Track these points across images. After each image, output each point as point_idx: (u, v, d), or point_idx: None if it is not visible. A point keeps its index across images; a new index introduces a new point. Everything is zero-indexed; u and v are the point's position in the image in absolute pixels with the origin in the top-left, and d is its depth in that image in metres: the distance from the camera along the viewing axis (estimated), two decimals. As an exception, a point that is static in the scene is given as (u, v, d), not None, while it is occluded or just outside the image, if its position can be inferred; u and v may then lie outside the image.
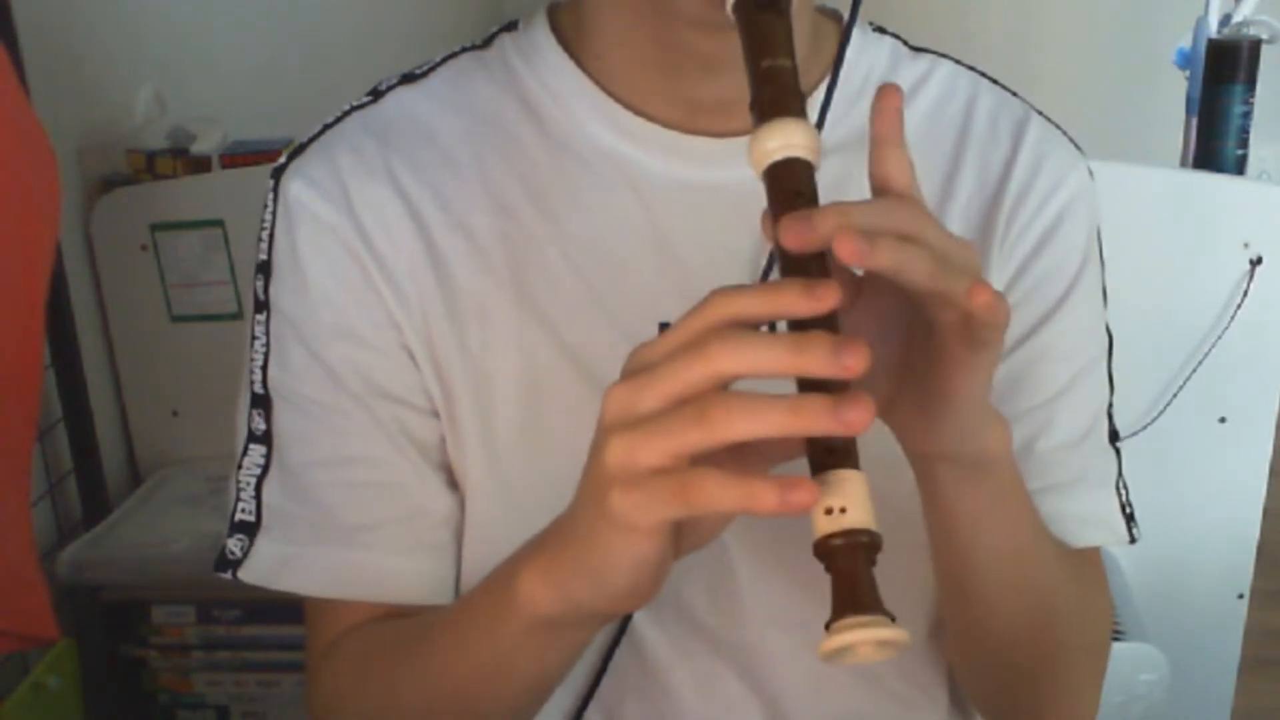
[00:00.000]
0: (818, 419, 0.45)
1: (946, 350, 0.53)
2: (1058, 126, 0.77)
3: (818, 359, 0.45)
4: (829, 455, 0.48)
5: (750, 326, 0.48)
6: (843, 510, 0.47)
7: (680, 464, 0.47)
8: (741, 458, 0.50)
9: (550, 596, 0.55)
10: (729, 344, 0.47)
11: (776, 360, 0.46)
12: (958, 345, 0.52)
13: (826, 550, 0.47)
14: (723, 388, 0.47)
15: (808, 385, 0.47)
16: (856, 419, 0.45)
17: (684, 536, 0.53)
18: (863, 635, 0.46)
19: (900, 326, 0.55)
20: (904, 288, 0.50)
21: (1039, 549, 0.68)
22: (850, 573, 0.47)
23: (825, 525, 0.47)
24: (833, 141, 0.71)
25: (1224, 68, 1.72)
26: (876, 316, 0.54)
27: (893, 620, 0.47)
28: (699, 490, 0.47)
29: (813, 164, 0.52)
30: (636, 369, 0.49)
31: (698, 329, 0.48)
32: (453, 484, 0.72)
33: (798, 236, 0.48)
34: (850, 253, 0.47)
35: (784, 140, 0.51)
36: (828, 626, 0.47)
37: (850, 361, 0.45)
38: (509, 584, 0.57)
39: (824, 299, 0.46)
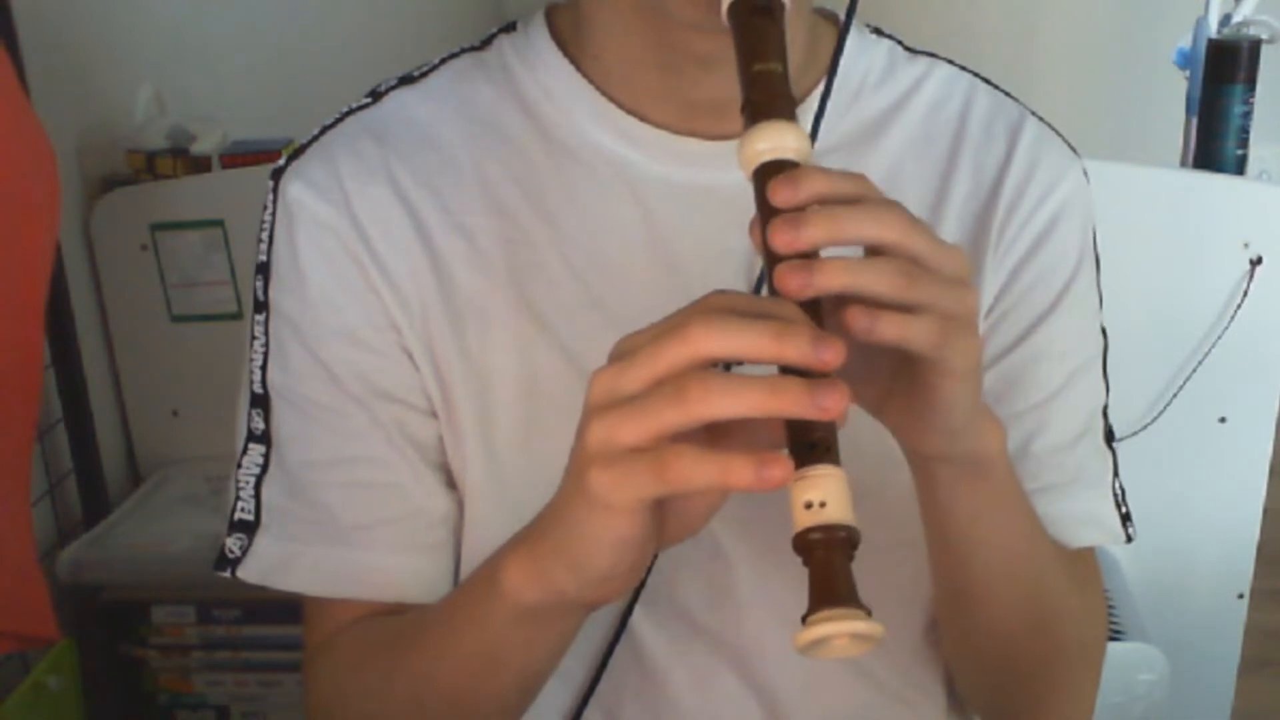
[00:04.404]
0: (794, 401, 0.46)
1: (922, 371, 0.53)
2: (1053, 128, 0.77)
3: (797, 348, 0.47)
4: (810, 450, 0.48)
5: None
6: (822, 504, 0.48)
7: (659, 443, 0.48)
8: (722, 448, 0.50)
9: (532, 584, 0.56)
10: (710, 326, 0.48)
11: (757, 345, 0.47)
12: (932, 372, 0.53)
13: (805, 544, 0.48)
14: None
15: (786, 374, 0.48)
16: (832, 405, 0.46)
17: (667, 525, 0.53)
18: (838, 628, 0.47)
19: None
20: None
21: (1035, 549, 0.68)
22: (827, 566, 0.48)
23: (804, 519, 0.48)
24: (830, 142, 0.72)
25: (1224, 68, 1.72)
26: None
27: (868, 614, 0.47)
28: (676, 466, 0.47)
29: (801, 165, 0.52)
30: (621, 354, 0.50)
31: (684, 315, 0.49)
32: (451, 484, 0.73)
33: (786, 242, 0.49)
34: (859, 330, 0.49)
35: (773, 142, 0.52)
36: (804, 620, 0.47)
37: (827, 356, 0.47)
38: (494, 575, 0.58)
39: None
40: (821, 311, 0.50)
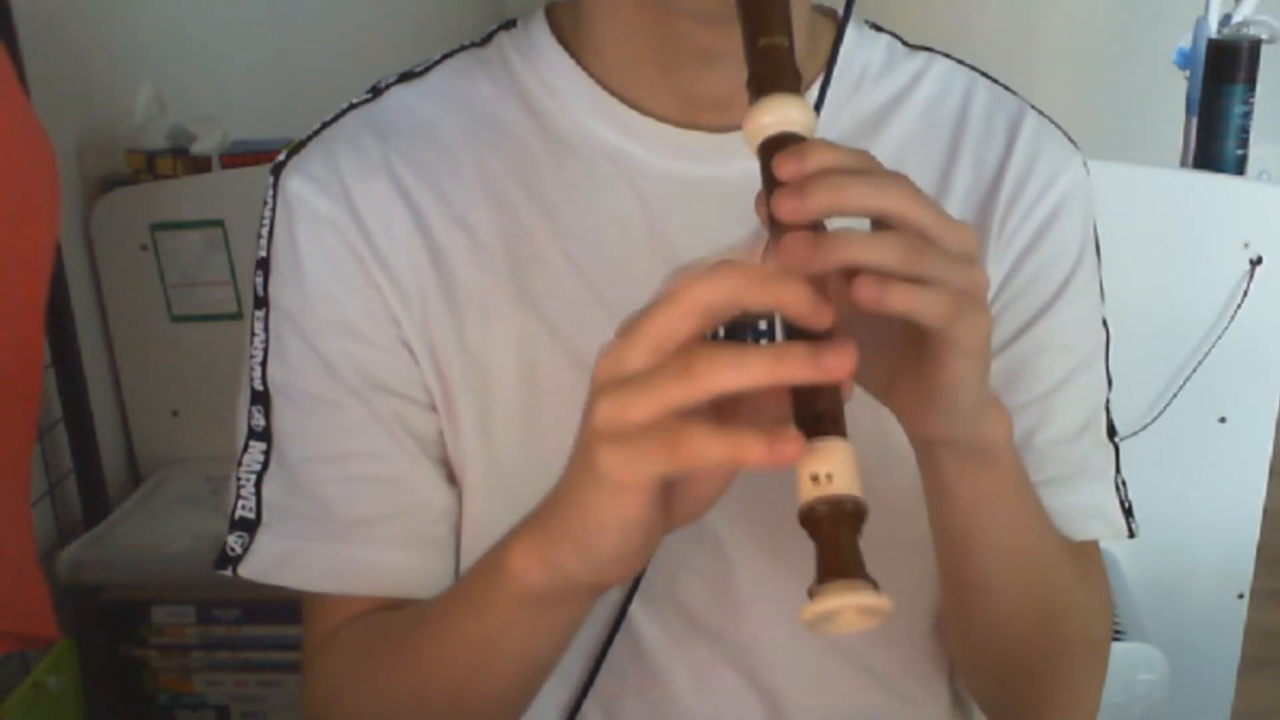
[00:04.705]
0: (799, 365, 0.46)
1: (932, 348, 0.53)
2: (1053, 122, 0.77)
3: (792, 292, 0.47)
4: (816, 423, 0.48)
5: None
6: (829, 477, 0.47)
7: (668, 419, 0.47)
8: (729, 423, 0.50)
9: (539, 567, 0.56)
10: (701, 280, 0.47)
11: (748, 288, 0.47)
12: (942, 348, 0.53)
13: (811, 517, 0.47)
14: (704, 333, 0.48)
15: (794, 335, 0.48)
16: (836, 365, 0.46)
17: (674, 507, 0.53)
18: (846, 600, 0.46)
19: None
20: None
21: (1042, 543, 0.68)
22: (834, 539, 0.47)
23: (811, 492, 0.47)
24: (831, 135, 0.71)
25: (1224, 68, 1.72)
26: None
27: (876, 587, 0.46)
28: (687, 443, 0.47)
29: (807, 139, 0.52)
30: (623, 330, 0.50)
31: (673, 280, 0.49)
32: (451, 479, 0.73)
33: (790, 209, 0.49)
34: (868, 299, 0.48)
35: (779, 116, 0.52)
36: (811, 593, 0.47)
37: (822, 315, 0.46)
38: (500, 559, 0.57)
39: (820, 316, 0.47)
40: (827, 290, 0.49)
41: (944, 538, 0.66)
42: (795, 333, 0.48)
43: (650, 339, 0.48)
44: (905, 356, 0.55)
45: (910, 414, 0.58)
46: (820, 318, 0.47)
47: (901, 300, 0.49)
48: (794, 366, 0.46)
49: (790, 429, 0.46)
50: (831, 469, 0.47)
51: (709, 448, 0.46)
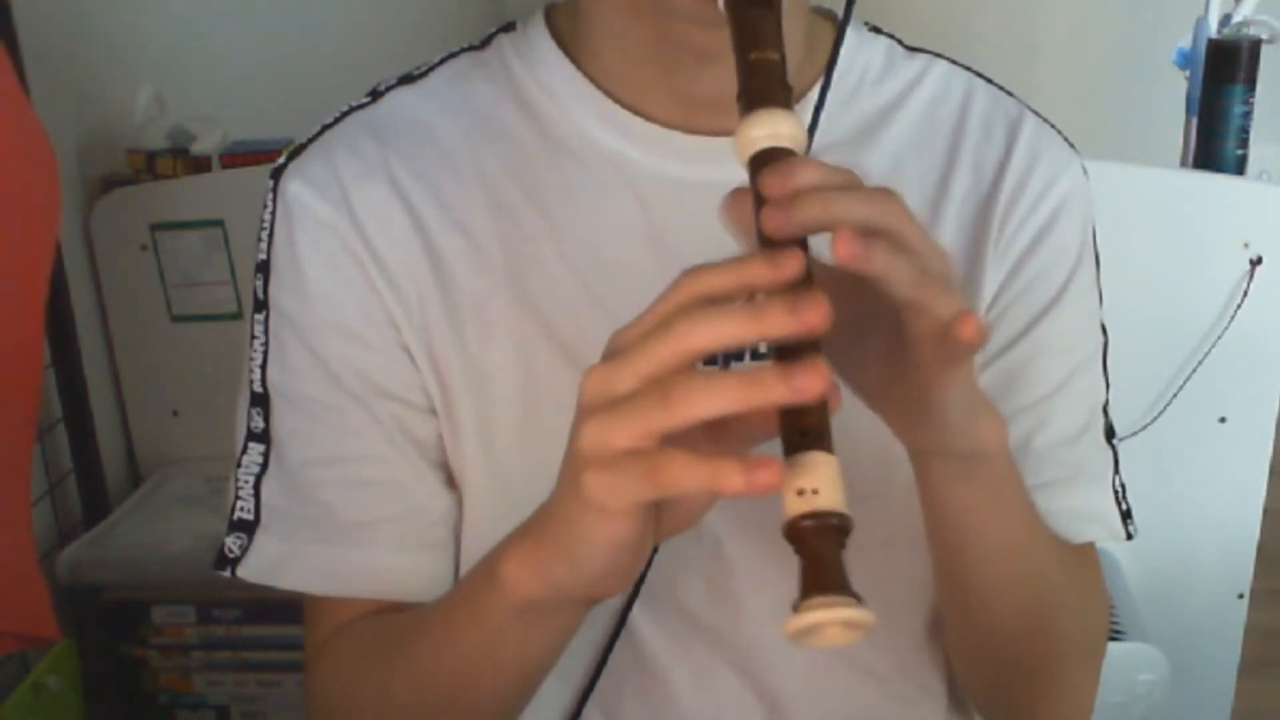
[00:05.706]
0: (771, 389, 0.46)
1: (918, 357, 0.53)
2: (1052, 125, 0.77)
3: (776, 320, 0.46)
4: (802, 438, 0.48)
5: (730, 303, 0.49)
6: (814, 492, 0.47)
7: (651, 445, 0.48)
8: (722, 439, 0.51)
9: (531, 579, 0.56)
10: (693, 321, 0.48)
11: (739, 330, 0.47)
12: (928, 354, 0.53)
13: (796, 531, 0.48)
14: (695, 364, 0.48)
15: (785, 356, 0.48)
16: (806, 385, 0.46)
17: (664, 519, 0.53)
18: (829, 615, 0.46)
19: (886, 318, 0.55)
20: (884, 293, 0.50)
21: (1036, 545, 0.68)
22: (819, 553, 0.47)
23: (795, 506, 0.47)
24: (830, 138, 0.72)
25: (1224, 68, 1.72)
26: (860, 308, 0.55)
27: (860, 601, 0.47)
28: (667, 471, 0.47)
29: (796, 154, 0.52)
30: (613, 351, 0.50)
31: (669, 309, 0.49)
32: (450, 482, 0.73)
33: (778, 223, 0.49)
34: (847, 254, 0.48)
35: (769, 130, 0.52)
36: (795, 607, 0.47)
37: (809, 315, 0.46)
38: (493, 569, 0.58)
39: (786, 267, 0.47)
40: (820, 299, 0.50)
41: (939, 542, 0.66)
42: (784, 347, 0.49)
43: (639, 371, 0.48)
44: (893, 369, 0.55)
45: (901, 424, 0.58)
46: (809, 327, 0.46)
47: (882, 261, 0.49)
48: (766, 390, 0.46)
49: (769, 456, 0.46)
50: (816, 484, 0.47)
51: (689, 476, 0.47)
